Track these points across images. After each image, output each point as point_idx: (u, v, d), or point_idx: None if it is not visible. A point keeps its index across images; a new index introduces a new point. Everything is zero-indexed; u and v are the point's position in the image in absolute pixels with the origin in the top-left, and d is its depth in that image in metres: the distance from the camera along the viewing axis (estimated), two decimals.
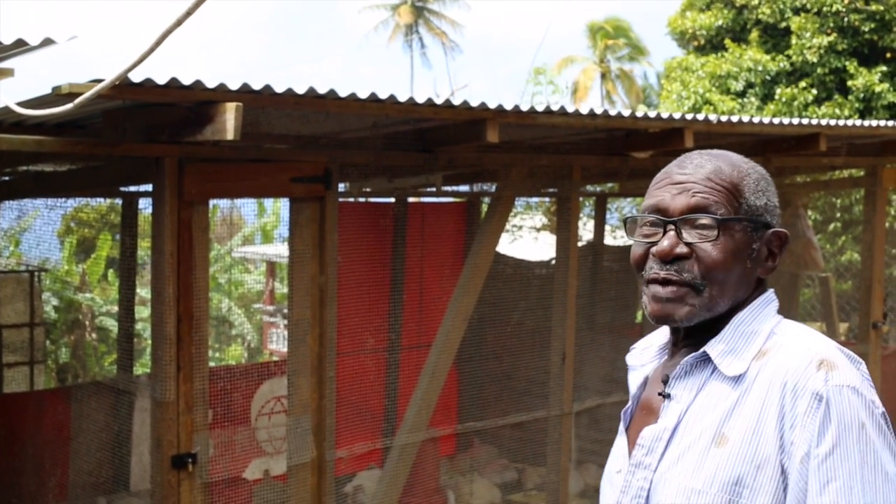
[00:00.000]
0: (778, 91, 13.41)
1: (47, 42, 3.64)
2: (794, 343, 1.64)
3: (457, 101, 4.49)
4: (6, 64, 3.93)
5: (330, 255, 4.74)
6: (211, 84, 3.65)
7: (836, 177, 9.62)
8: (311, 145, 5.03)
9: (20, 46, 3.63)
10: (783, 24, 14.00)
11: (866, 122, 7.08)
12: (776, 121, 6.00)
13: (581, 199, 7.20)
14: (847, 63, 13.30)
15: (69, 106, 2.93)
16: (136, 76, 3.43)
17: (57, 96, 3.40)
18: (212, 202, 4.61)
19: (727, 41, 14.43)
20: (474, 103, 4.47)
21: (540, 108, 4.79)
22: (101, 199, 7.73)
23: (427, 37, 43.60)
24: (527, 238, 11.22)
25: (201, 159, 4.29)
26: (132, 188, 6.20)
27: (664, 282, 1.68)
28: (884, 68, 13.22)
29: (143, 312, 10.84)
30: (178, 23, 2.11)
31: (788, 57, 13.71)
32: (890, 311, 9.21)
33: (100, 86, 2.75)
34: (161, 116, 4.07)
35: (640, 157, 5.95)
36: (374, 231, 6.45)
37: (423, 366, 5.70)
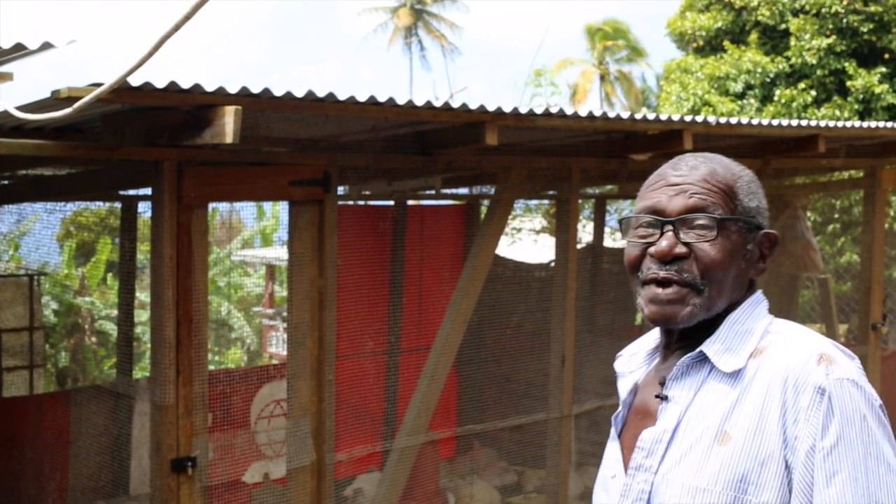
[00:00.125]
0: (777, 92, 13.42)
1: (46, 46, 3.64)
2: (791, 340, 1.65)
3: (456, 104, 4.49)
4: (5, 68, 3.93)
5: (329, 258, 4.74)
6: (210, 88, 3.66)
7: (836, 178, 9.63)
8: (310, 148, 5.03)
9: (19, 50, 3.63)
10: (782, 26, 14.01)
11: (865, 124, 7.09)
12: (775, 122, 6.00)
13: (580, 201, 7.20)
14: (846, 64, 13.31)
15: (68, 110, 2.93)
16: (135, 80, 3.43)
17: (56, 100, 3.40)
18: (211, 205, 4.61)
19: (726, 43, 14.44)
20: (473, 106, 4.47)
21: (539, 111, 4.79)
22: (101, 203, 7.75)
23: (426, 39, 43.66)
24: (526, 240, 11.24)
25: (200, 163, 4.29)
26: (131, 192, 6.21)
27: (664, 282, 1.68)
28: (883, 69, 13.23)
29: (142, 316, 10.84)
30: (177, 27, 2.11)
31: (787, 58, 13.72)
32: (889, 313, 9.21)
33: (99, 90, 2.75)
34: (160, 120, 4.07)
35: (640, 158, 5.94)
36: (373, 234, 6.45)
37: (422, 368, 5.69)
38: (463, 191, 7.20)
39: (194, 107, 3.86)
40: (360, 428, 6.16)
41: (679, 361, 1.70)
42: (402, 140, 5.24)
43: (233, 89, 3.73)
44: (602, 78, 33.06)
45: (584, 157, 6.13)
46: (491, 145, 4.67)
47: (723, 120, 5.66)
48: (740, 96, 13.90)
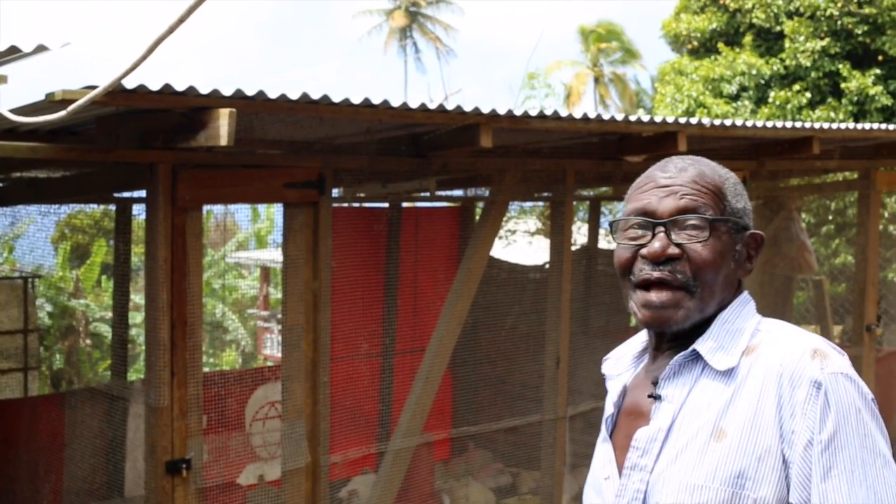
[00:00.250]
0: (771, 94, 13.44)
1: (40, 49, 3.64)
2: (782, 337, 1.67)
3: (450, 106, 4.49)
4: None
5: (324, 260, 4.75)
6: (204, 90, 3.66)
7: (830, 180, 9.65)
8: (305, 151, 5.03)
9: (13, 53, 3.63)
10: (777, 28, 14.04)
11: (859, 126, 7.10)
12: (770, 124, 6.02)
13: (575, 203, 7.22)
14: (840, 66, 13.34)
15: (63, 113, 2.93)
16: (130, 82, 3.43)
17: (50, 103, 3.40)
18: (206, 208, 4.61)
19: (721, 45, 14.47)
20: (468, 108, 4.48)
21: (533, 113, 4.79)
22: (95, 206, 7.73)
23: (421, 41, 43.65)
24: (521, 242, 11.24)
25: (195, 165, 4.30)
26: (126, 194, 6.21)
27: (658, 283, 1.69)
28: (877, 71, 13.26)
29: (137, 318, 10.84)
30: (171, 30, 2.11)
31: (782, 60, 13.74)
32: (884, 314, 9.23)
33: (93, 92, 2.75)
34: (155, 122, 4.07)
35: (634, 160, 5.95)
36: (367, 236, 6.45)
37: (417, 370, 5.70)
38: (457, 193, 7.20)
39: (189, 109, 3.86)
40: (355, 430, 6.16)
41: (672, 360, 1.70)
42: (397, 142, 5.25)
43: (227, 92, 3.73)
44: (596, 80, 33.08)
45: (579, 159, 6.14)
46: (485, 147, 4.67)
47: (717, 122, 5.67)
48: (735, 98, 13.93)
